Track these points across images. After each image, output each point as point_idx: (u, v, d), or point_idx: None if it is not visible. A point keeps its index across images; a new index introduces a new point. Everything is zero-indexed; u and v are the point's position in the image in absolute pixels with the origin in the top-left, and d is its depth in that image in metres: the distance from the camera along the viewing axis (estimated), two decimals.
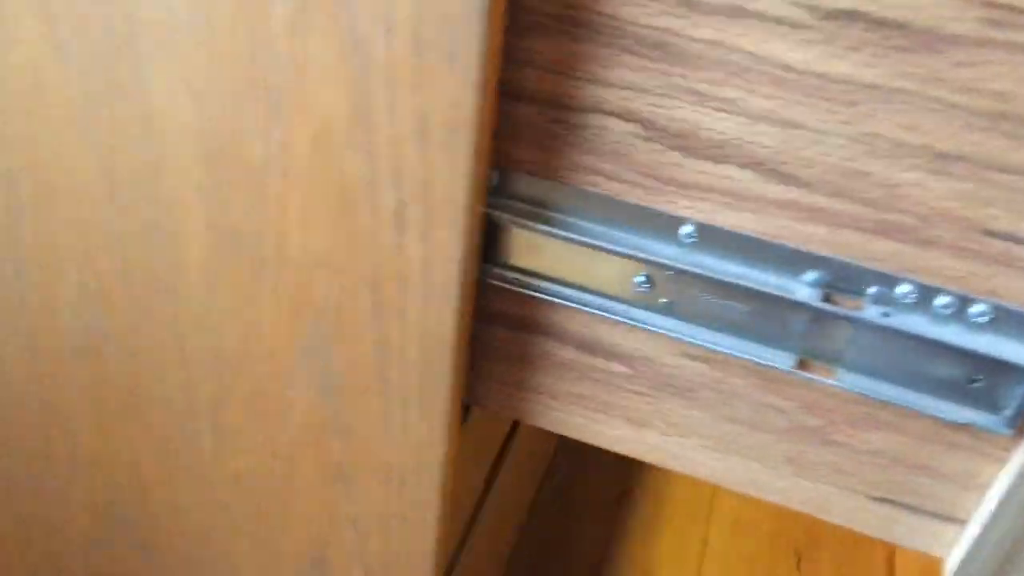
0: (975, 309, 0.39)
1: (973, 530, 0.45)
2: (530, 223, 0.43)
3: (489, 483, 0.67)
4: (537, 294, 0.45)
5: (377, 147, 0.38)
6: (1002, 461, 0.43)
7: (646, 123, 0.40)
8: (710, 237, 0.41)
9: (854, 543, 1.13)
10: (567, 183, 0.43)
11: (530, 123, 0.41)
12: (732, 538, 1.10)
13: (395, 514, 0.50)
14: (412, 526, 0.50)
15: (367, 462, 0.49)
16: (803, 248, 0.40)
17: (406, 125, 0.37)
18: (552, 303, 0.46)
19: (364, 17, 0.35)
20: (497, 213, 0.43)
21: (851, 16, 0.34)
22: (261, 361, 0.47)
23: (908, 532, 0.47)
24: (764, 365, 0.44)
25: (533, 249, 0.44)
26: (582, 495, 1.10)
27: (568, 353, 0.48)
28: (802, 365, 0.44)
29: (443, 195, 0.39)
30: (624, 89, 0.39)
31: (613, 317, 0.45)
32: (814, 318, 0.42)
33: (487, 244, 0.45)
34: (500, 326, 0.48)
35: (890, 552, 1.10)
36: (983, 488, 0.44)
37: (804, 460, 0.47)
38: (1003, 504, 0.43)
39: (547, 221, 0.43)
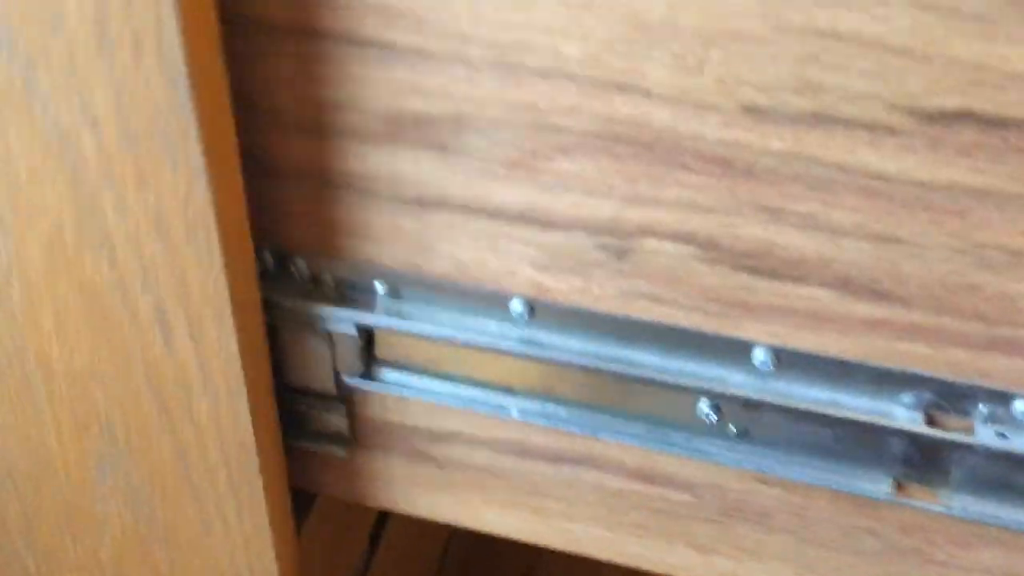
0: None
1: None
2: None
3: (364, 571, 0.65)
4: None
5: (116, 249, 0.35)
6: None
7: (707, 244, 0.34)
8: (789, 362, 0.36)
9: None
10: (607, 311, 0.36)
11: (569, 249, 0.35)
12: None
13: None
14: None
15: (199, 569, 0.46)
16: (900, 368, 0.35)
17: (141, 224, 0.34)
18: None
19: (62, 110, 0.32)
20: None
21: (961, 118, 0.29)
22: (60, 477, 0.44)
23: None
24: (854, 492, 0.38)
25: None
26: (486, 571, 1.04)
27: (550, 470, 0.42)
28: (899, 488, 0.38)
29: (202, 295, 0.35)
30: (679, 209, 0.33)
31: (670, 450, 0.39)
32: (915, 441, 0.36)
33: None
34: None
35: None
36: None
37: None
38: None
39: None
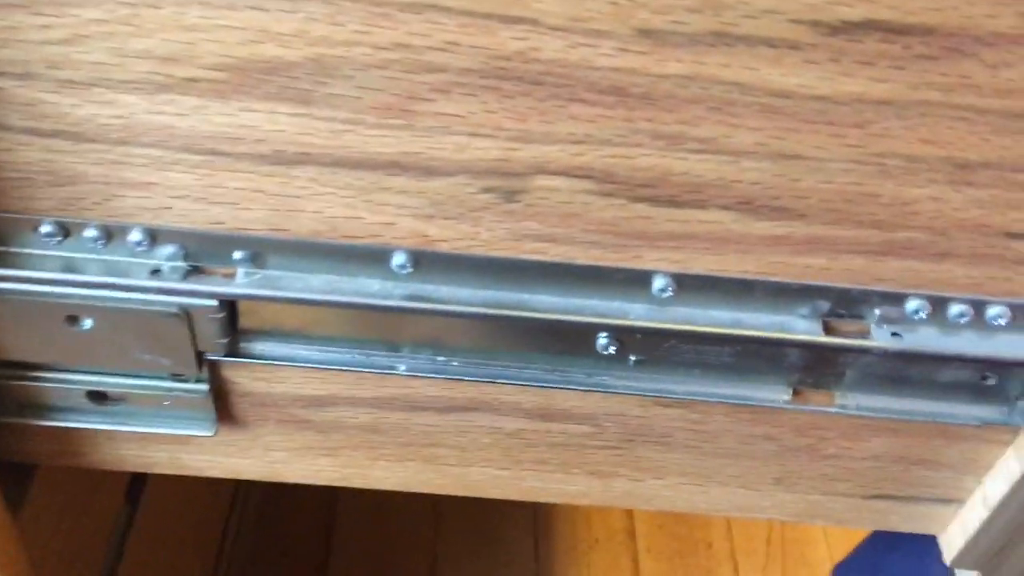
0: (992, 311, 0.34)
1: (979, 511, 0.42)
2: None
3: (120, 548, 0.61)
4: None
5: None
6: (1006, 444, 0.40)
7: (603, 177, 0.31)
8: (690, 287, 0.34)
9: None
10: (497, 256, 0.34)
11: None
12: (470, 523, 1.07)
13: None
14: None
15: None
16: (799, 282, 0.34)
17: None
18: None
19: None
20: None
21: (864, 28, 0.27)
22: None
23: (902, 520, 0.44)
24: (754, 404, 0.38)
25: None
26: (288, 509, 1.02)
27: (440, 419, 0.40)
28: (796, 395, 0.38)
29: None
30: (573, 144, 0.31)
31: (570, 387, 0.38)
32: (813, 350, 0.36)
33: None
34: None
35: None
36: (985, 470, 0.41)
37: (793, 478, 0.42)
38: (1015, 487, 0.40)
39: None
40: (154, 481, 0.67)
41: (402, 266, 0.34)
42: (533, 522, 1.10)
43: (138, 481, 0.65)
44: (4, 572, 0.42)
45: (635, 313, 0.35)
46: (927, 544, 0.49)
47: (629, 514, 1.11)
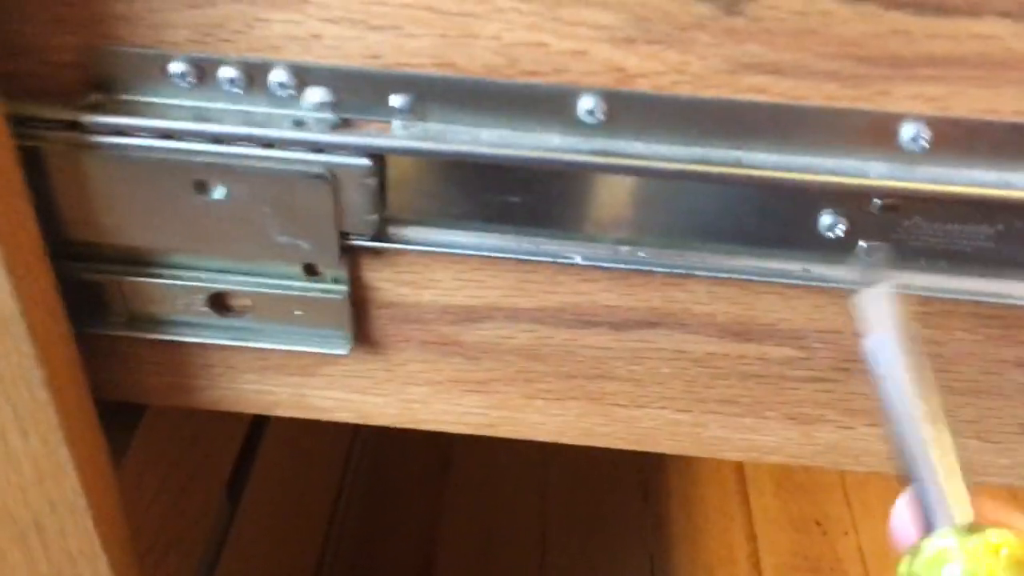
0: None
1: None
2: None
3: (237, 497, 0.57)
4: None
5: None
6: None
7: None
8: (948, 137, 0.28)
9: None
10: (710, 96, 0.28)
11: None
12: (574, 484, 1.02)
13: None
14: None
15: None
16: None
17: None
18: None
19: None
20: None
21: None
22: None
23: None
24: (1010, 305, 0.31)
25: None
26: (398, 471, 1.00)
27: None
28: None
29: None
30: None
31: (778, 281, 0.31)
32: None
33: None
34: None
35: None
36: None
37: None
38: None
39: None
40: (255, 481, 0.63)
41: (591, 112, 0.28)
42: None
43: (238, 479, 0.61)
44: (105, 538, 0.37)
45: (875, 172, 0.28)
46: None
47: (753, 543, 1.02)
